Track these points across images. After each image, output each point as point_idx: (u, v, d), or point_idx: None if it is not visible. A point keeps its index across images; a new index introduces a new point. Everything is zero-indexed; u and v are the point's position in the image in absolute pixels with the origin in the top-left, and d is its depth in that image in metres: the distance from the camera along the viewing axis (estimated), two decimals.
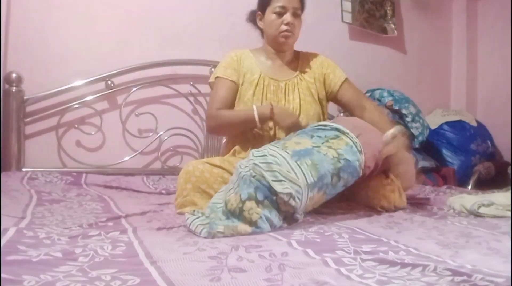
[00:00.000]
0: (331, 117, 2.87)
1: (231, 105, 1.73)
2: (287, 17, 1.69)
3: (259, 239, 1.06)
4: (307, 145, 1.32)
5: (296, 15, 1.72)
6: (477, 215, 1.45)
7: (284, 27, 1.69)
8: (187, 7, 2.56)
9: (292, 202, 1.18)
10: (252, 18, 1.84)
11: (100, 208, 1.48)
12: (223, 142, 2.38)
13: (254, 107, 1.63)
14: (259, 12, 1.77)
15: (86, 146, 2.32)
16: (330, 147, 1.32)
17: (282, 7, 1.68)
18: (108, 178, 2.07)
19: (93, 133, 2.31)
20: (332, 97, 1.83)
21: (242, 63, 1.76)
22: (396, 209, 1.56)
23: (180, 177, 1.50)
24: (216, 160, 1.56)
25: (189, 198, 1.45)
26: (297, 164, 1.24)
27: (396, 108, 2.62)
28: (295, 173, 1.22)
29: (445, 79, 3.44)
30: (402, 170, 1.57)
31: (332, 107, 2.92)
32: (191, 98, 2.51)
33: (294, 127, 1.58)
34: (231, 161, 1.57)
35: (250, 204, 1.16)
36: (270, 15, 1.72)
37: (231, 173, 1.50)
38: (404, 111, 2.61)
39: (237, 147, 1.71)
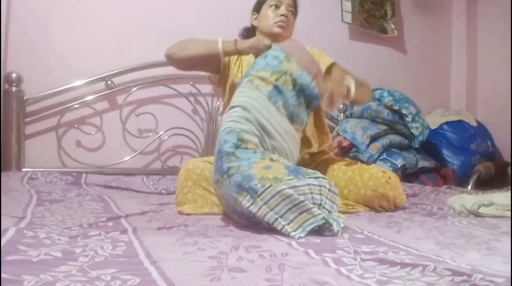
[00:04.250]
0: (330, 117, 2.88)
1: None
2: (282, 9, 1.73)
3: (259, 239, 1.06)
4: None
5: (290, 11, 1.76)
6: (477, 215, 1.45)
7: (279, 18, 1.73)
8: (187, 7, 2.56)
9: None
10: (246, 34, 1.86)
11: (100, 208, 1.48)
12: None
13: (220, 38, 1.64)
14: (254, 12, 1.81)
15: (86, 146, 2.32)
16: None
17: (279, 1, 1.74)
18: (108, 178, 2.07)
19: (93, 133, 2.31)
20: None
21: (233, 60, 1.77)
22: (396, 208, 1.56)
23: (181, 175, 1.51)
24: None
25: (189, 196, 1.46)
26: None
27: (396, 108, 2.61)
28: None
29: (445, 79, 3.44)
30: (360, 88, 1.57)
31: None
32: (191, 98, 2.51)
33: (257, 45, 1.56)
34: None
35: None
36: (266, 10, 1.76)
37: None
38: (404, 111, 2.61)
39: None
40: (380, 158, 2.57)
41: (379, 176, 1.54)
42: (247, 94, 1.39)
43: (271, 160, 1.24)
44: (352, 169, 1.59)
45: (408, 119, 2.61)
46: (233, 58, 1.75)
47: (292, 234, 1.08)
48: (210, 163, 1.52)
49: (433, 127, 2.95)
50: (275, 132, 1.34)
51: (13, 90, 2.11)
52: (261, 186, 1.14)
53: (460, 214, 1.49)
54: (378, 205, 1.53)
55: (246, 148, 1.26)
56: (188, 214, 1.42)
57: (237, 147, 1.26)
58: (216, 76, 1.78)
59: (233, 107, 1.38)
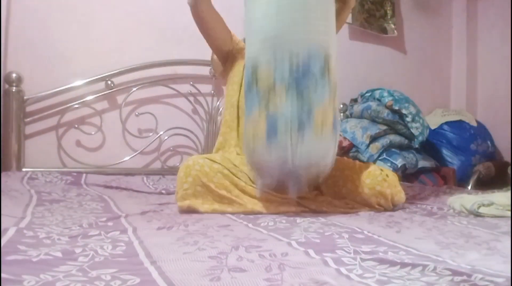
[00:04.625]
0: None
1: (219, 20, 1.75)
2: None
3: (259, 239, 1.06)
4: None
5: None
6: (477, 215, 1.45)
7: None
8: (187, 7, 2.55)
9: None
10: None
11: (100, 208, 1.48)
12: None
13: None
14: None
15: (86, 146, 2.32)
16: None
17: None
18: (108, 178, 2.07)
19: (93, 133, 2.31)
20: None
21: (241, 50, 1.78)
22: (395, 206, 1.56)
23: (181, 171, 1.50)
24: (216, 156, 1.57)
25: (189, 191, 1.45)
26: None
27: (396, 108, 2.61)
28: None
29: (445, 79, 3.44)
30: None
31: None
32: (191, 98, 2.51)
33: None
34: (232, 159, 1.58)
35: None
36: None
37: (230, 170, 1.52)
38: (404, 111, 2.61)
39: (233, 142, 1.72)
40: (380, 158, 2.57)
41: (377, 174, 1.55)
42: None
43: (267, 109, 1.34)
44: (350, 167, 1.60)
45: (408, 119, 2.61)
46: (240, 49, 1.76)
47: None
48: (210, 160, 1.52)
49: (433, 127, 2.95)
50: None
51: (13, 90, 2.11)
52: (245, 147, 1.43)
53: (460, 214, 1.49)
54: (376, 203, 1.53)
55: (256, 86, 1.36)
56: (188, 212, 1.42)
57: (249, 85, 1.38)
58: (220, 66, 1.79)
59: (254, 27, 1.42)
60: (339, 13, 1.72)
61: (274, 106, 1.33)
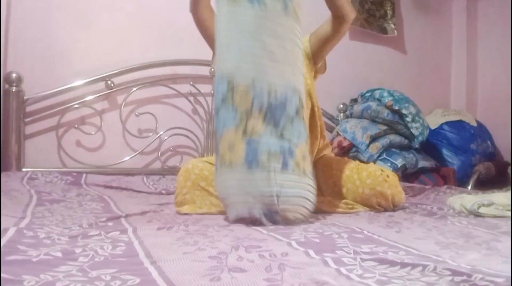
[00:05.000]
0: (330, 117, 2.88)
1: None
2: None
3: (259, 239, 1.06)
4: None
5: None
6: (477, 215, 1.45)
7: None
8: (187, 7, 2.56)
9: None
10: None
11: (100, 208, 1.48)
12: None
13: None
14: None
15: (86, 146, 2.32)
16: None
17: None
18: (108, 178, 2.07)
19: (93, 133, 2.31)
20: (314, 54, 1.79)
21: None
22: (395, 207, 1.56)
23: (180, 175, 1.51)
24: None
25: (188, 196, 1.46)
26: None
27: (396, 108, 2.61)
28: None
29: (445, 79, 3.44)
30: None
31: (332, 107, 2.93)
32: (191, 98, 2.51)
33: None
34: None
35: None
36: None
37: None
38: (404, 111, 2.61)
39: None
40: (380, 158, 2.57)
41: (377, 174, 1.55)
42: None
43: (244, 132, 1.23)
44: (350, 168, 1.59)
45: (408, 119, 2.61)
46: None
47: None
48: (210, 163, 1.52)
49: (433, 127, 2.96)
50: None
51: (13, 90, 2.11)
52: (219, 167, 1.27)
53: (460, 214, 1.49)
54: (377, 203, 1.53)
55: (232, 103, 1.24)
56: (186, 214, 1.42)
57: (223, 100, 1.26)
58: None
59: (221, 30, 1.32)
60: (337, 28, 1.66)
61: (253, 131, 1.23)
